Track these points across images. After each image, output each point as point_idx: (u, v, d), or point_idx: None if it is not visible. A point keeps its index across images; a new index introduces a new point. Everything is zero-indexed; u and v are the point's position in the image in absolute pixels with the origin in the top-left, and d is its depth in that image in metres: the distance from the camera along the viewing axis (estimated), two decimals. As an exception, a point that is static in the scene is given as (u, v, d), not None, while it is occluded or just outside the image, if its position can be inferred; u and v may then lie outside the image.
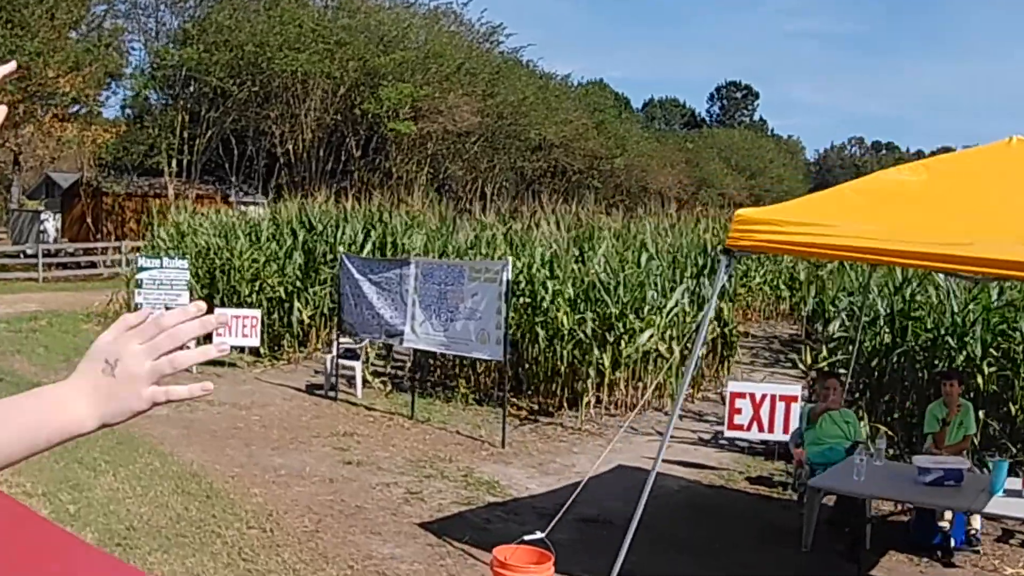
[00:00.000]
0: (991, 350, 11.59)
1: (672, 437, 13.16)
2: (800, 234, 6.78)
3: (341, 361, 14.92)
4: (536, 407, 14.59)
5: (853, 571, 8.54)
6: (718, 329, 16.04)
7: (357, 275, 14.21)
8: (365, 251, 19.36)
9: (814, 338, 13.99)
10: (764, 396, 11.28)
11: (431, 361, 16.26)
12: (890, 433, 11.15)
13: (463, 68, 40.57)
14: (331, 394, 14.82)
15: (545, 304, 14.50)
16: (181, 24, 37.07)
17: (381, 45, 37.75)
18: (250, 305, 17.75)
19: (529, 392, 15.00)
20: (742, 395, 11.39)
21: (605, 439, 13.08)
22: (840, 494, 8.82)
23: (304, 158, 38.13)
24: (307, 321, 18.11)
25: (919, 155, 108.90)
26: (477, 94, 41.04)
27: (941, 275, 12.48)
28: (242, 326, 16.48)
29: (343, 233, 19.35)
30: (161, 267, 17.21)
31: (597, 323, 14.00)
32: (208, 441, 11.72)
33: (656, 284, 14.86)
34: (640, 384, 14.72)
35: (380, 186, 38.56)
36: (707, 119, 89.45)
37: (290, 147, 37.32)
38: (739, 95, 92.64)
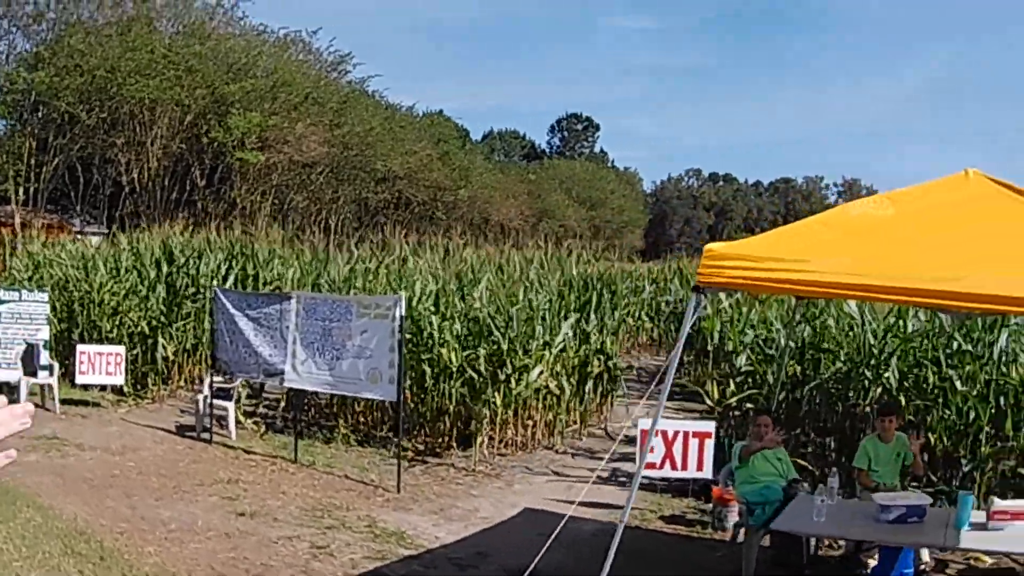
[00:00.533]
0: (905, 382, 11.56)
1: (568, 477, 12.88)
2: (776, 270, 6.38)
3: (214, 401, 13.94)
4: (423, 447, 13.92)
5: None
6: (601, 363, 15.67)
7: (233, 310, 13.28)
8: (228, 283, 18.36)
9: (713, 373, 13.73)
10: (677, 433, 10.82)
11: (306, 400, 15.39)
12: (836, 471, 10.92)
13: (311, 97, 39.67)
14: (204, 436, 13.80)
15: (431, 341, 13.87)
16: (34, 47, 34.97)
17: (230, 73, 36.51)
18: (111, 341, 16.51)
19: (414, 432, 14.34)
20: (655, 432, 11.02)
21: (503, 480, 12.57)
22: (802, 535, 8.52)
23: (149, 187, 36.37)
24: (171, 358, 16.96)
25: (757, 185, 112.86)
26: (324, 124, 40.07)
27: (854, 307, 12.44)
28: (105, 363, 15.29)
29: (205, 265, 18.28)
30: (20, 299, 15.91)
31: (487, 360, 13.45)
32: (86, 492, 10.62)
33: (544, 319, 14.41)
34: (530, 422, 14.25)
35: (225, 216, 37.20)
36: (547, 151, 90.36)
37: (135, 175, 35.51)
38: (580, 127, 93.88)
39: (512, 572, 8.88)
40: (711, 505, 10.89)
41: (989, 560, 9.62)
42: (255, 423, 14.83)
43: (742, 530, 9.19)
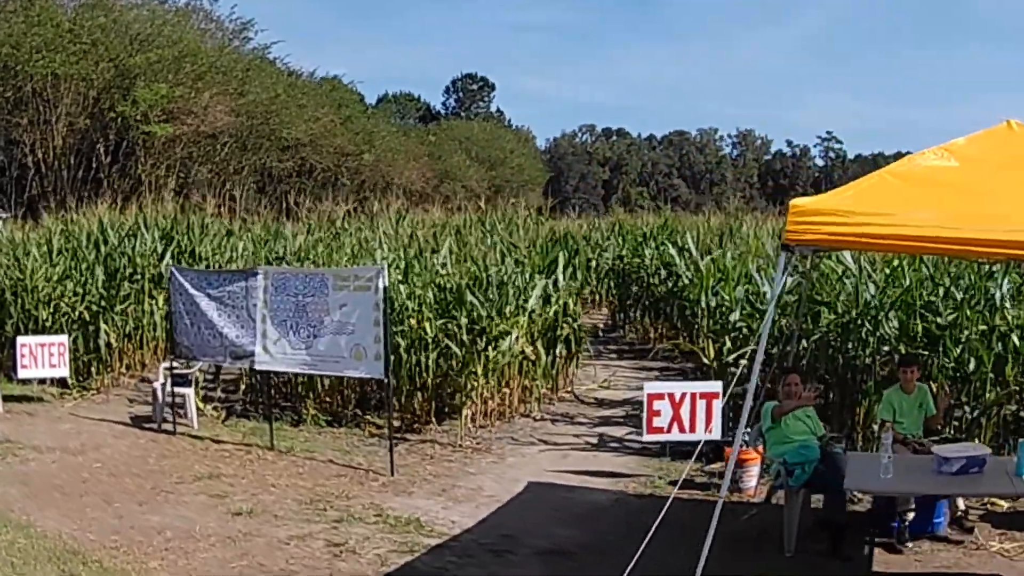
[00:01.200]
0: (905, 333, 11.11)
1: (559, 445, 12.20)
2: (865, 224, 5.86)
3: (173, 389, 12.82)
4: (399, 424, 13.04)
5: (845, 569, 7.88)
6: (568, 326, 14.95)
7: (193, 290, 12.15)
8: (164, 262, 17.08)
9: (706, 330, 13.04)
10: (684, 395, 10.12)
11: (272, 380, 14.34)
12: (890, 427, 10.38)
13: (215, 66, 37.95)
14: (166, 427, 12.71)
15: (403, 312, 12.95)
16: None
17: (134, 44, 34.61)
18: (51, 330, 15.15)
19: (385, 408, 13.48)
20: (660, 396, 10.17)
21: (494, 454, 11.86)
22: (875, 494, 8.26)
23: (55, 167, 34.42)
24: (115, 345, 15.67)
25: (651, 139, 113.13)
26: (230, 93, 38.52)
27: (848, 257, 11.95)
28: (48, 355, 13.92)
29: (142, 244, 16.97)
30: None
31: (463, 329, 12.61)
32: (61, 501, 9.48)
33: (514, 283, 13.61)
34: (507, 390, 13.49)
35: (132, 193, 35.49)
36: (443, 112, 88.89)
37: (40, 155, 33.46)
38: (475, 87, 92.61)
39: (544, 552, 8.32)
40: (722, 467, 10.33)
41: (1005, 504, 9.40)
42: (215, 409, 13.78)
43: (780, 492, 8.75)
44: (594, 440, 12.51)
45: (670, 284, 19.60)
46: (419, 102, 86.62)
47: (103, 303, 15.54)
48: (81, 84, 33.19)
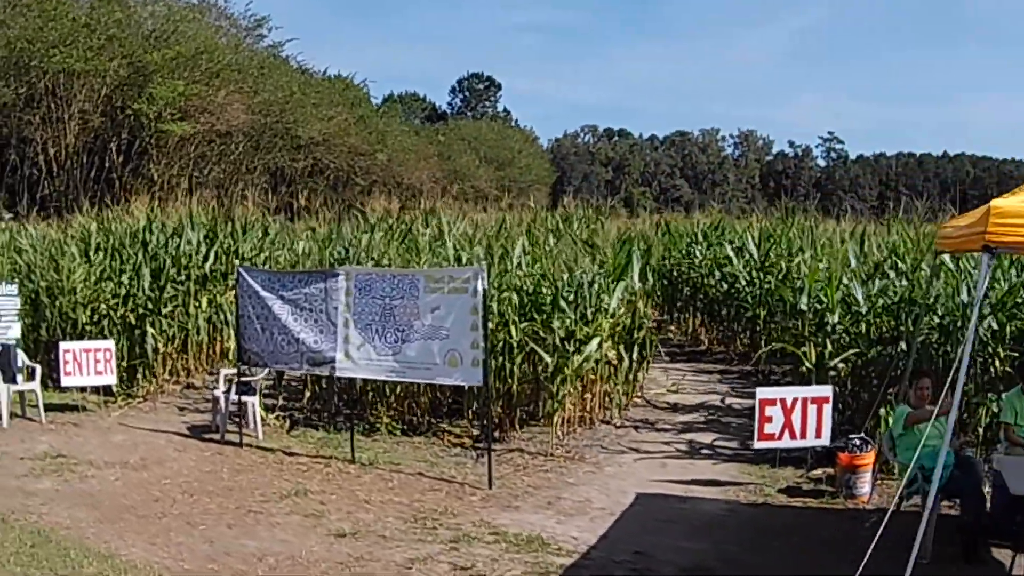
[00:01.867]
0: (1002, 334, 10.71)
1: (651, 453, 11.44)
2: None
3: (234, 397, 11.99)
4: (478, 432, 12.24)
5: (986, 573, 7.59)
6: (642, 329, 14.12)
7: (264, 293, 11.33)
8: (209, 263, 16.25)
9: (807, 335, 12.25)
10: (795, 401, 9.80)
11: (326, 388, 13.50)
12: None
13: (231, 64, 37.05)
14: (232, 438, 11.88)
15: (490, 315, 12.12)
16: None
17: (151, 40, 33.65)
18: (91, 335, 14.32)
19: (461, 417, 12.71)
20: (772, 402, 9.85)
21: (588, 463, 11.13)
22: None
23: (68, 165, 33.49)
24: (162, 350, 14.80)
25: (653, 139, 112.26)
26: (245, 91, 37.60)
27: (948, 259, 11.30)
28: (93, 361, 13.15)
29: (187, 244, 16.11)
30: None
31: (555, 333, 11.80)
32: (139, 525, 8.63)
33: (593, 284, 12.79)
34: (588, 396, 12.70)
35: (146, 193, 34.65)
36: (449, 111, 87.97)
37: (52, 154, 32.53)
38: (481, 87, 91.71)
39: (688, 570, 7.69)
40: (825, 472, 10.22)
41: None
42: (277, 418, 12.93)
43: (915, 498, 8.25)
44: (684, 447, 11.84)
45: (725, 286, 18.93)
46: (424, 102, 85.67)
47: (150, 306, 14.69)
48: (95, 81, 32.34)
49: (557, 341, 11.73)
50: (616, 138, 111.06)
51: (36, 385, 13.18)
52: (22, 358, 13.58)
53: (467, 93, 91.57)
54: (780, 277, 15.58)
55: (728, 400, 14.63)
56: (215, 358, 16.19)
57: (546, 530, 8.64)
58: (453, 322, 9.99)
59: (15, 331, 13.86)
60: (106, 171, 35.11)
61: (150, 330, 14.42)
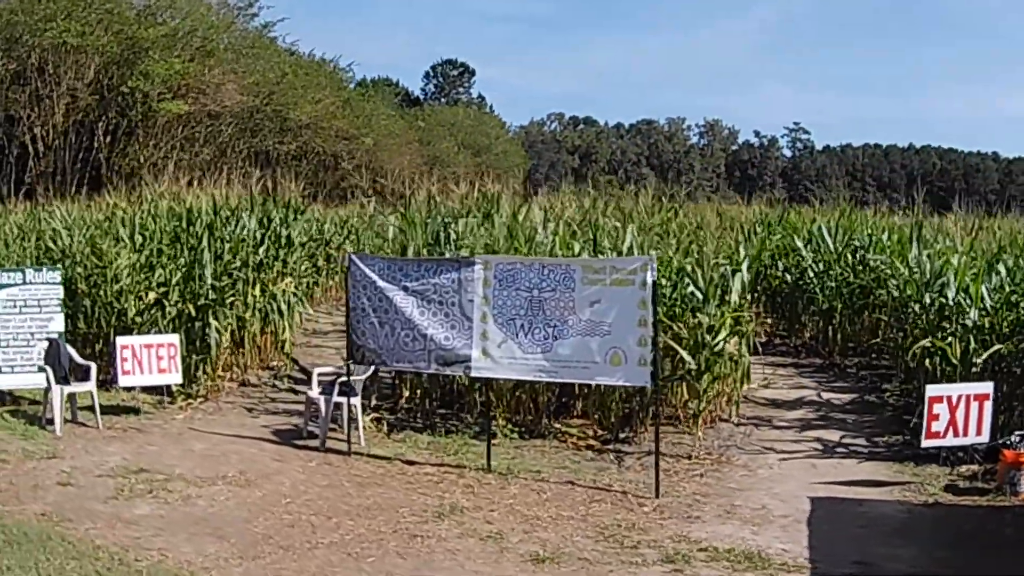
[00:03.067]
0: None
1: (788, 452, 10.62)
2: None
3: (337, 399, 10.80)
4: (591, 433, 11.23)
5: None
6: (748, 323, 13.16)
7: (382, 283, 10.10)
8: (263, 248, 14.96)
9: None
10: (960, 398, 9.40)
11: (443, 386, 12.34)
12: None
13: (226, 43, 35.60)
14: (339, 446, 10.68)
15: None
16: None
17: (144, 15, 32.01)
18: (139, 329, 12.96)
19: (559, 415, 11.79)
20: (939, 399, 9.38)
21: (736, 465, 10.36)
22: None
23: (55, 145, 31.87)
24: (225, 344, 13.48)
25: (619, 128, 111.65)
26: (238, 72, 36.04)
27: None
28: (155, 358, 11.80)
29: (242, 228, 14.79)
30: (24, 282, 12.34)
31: (703, 328, 10.81)
32: (288, 560, 7.36)
33: (723, 276, 11.82)
34: (710, 392, 11.69)
35: (132, 176, 33.14)
36: (422, 97, 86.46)
37: (38, 132, 30.91)
38: (455, 73, 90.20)
39: None
40: (970, 469, 9.96)
41: None
42: (373, 421, 11.74)
43: None
44: (817, 446, 11.13)
45: (790, 277, 18.11)
46: (398, 87, 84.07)
47: (212, 296, 13.37)
48: (94, 56, 30.74)
49: (700, 337, 10.73)
50: (581, 126, 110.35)
51: (92, 386, 11.64)
52: (71, 354, 12.25)
53: (441, 79, 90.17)
54: (878, 269, 14.85)
55: (824, 395, 13.88)
56: (268, 352, 14.95)
57: (748, 542, 7.85)
58: (616, 317, 8.95)
59: (58, 323, 12.41)
60: (94, 151, 33.46)
61: (213, 323, 13.09)
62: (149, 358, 11.77)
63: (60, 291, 12.57)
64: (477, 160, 66.41)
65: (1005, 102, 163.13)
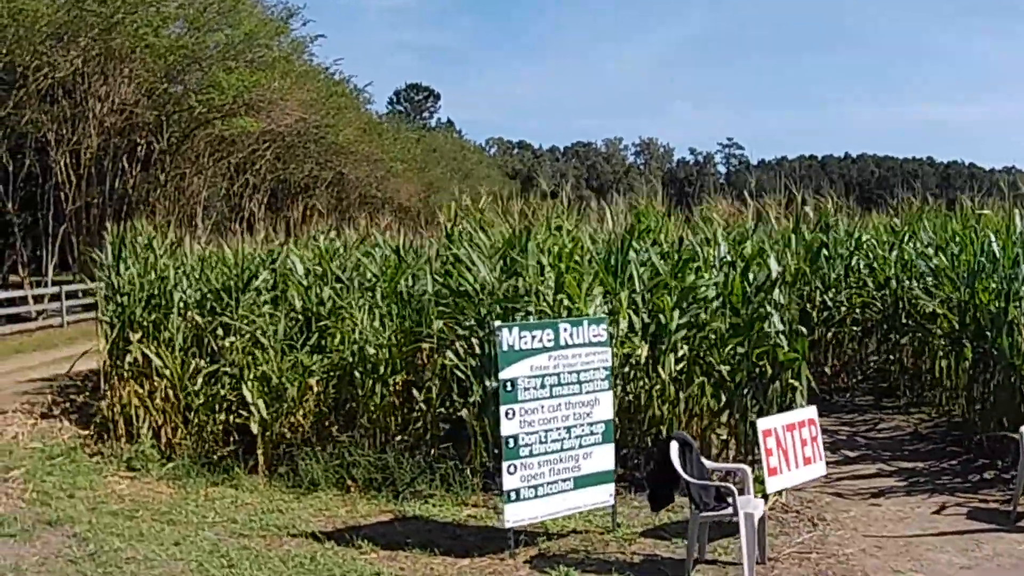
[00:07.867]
0: None
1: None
2: None
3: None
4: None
5: None
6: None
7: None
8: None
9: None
10: None
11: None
12: None
13: (284, 56, 33.96)
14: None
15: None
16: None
17: (202, 21, 29.60)
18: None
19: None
20: None
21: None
22: None
23: (89, 174, 30.03)
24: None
25: (554, 151, 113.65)
26: (298, 87, 34.62)
27: None
28: (799, 443, 8.46)
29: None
30: (556, 344, 8.54)
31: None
32: None
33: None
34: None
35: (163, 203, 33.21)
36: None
37: (63, 161, 29.26)
38: (420, 97, 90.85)
39: None
40: None
41: None
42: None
43: None
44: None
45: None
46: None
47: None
48: (156, 63, 29.22)
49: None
50: (517, 150, 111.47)
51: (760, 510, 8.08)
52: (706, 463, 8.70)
53: (407, 104, 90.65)
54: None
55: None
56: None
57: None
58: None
59: (606, 406, 8.83)
60: (120, 179, 32.18)
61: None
62: (793, 445, 8.40)
63: (608, 356, 8.92)
64: (463, 185, 67.58)
65: (929, 108, 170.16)
